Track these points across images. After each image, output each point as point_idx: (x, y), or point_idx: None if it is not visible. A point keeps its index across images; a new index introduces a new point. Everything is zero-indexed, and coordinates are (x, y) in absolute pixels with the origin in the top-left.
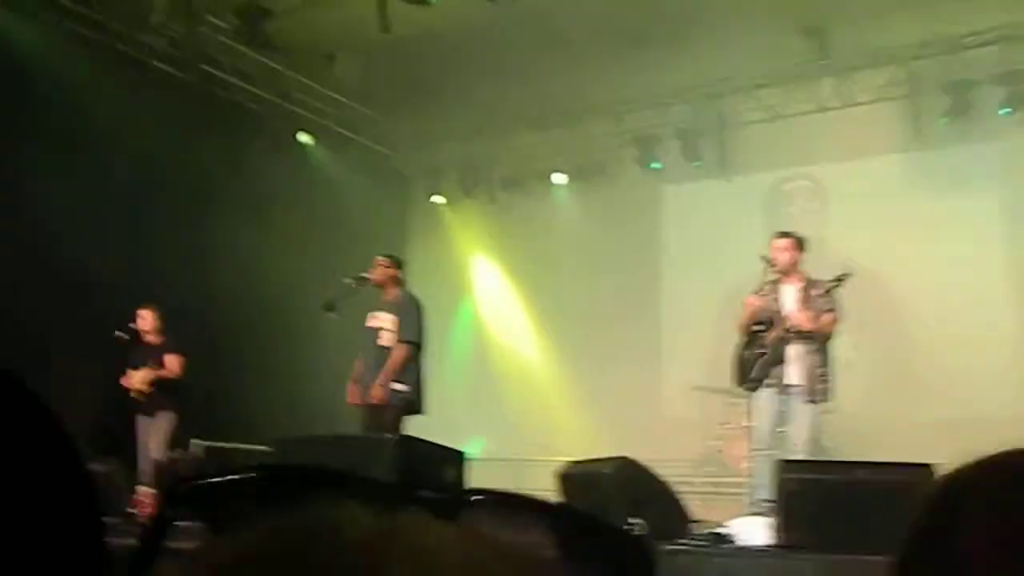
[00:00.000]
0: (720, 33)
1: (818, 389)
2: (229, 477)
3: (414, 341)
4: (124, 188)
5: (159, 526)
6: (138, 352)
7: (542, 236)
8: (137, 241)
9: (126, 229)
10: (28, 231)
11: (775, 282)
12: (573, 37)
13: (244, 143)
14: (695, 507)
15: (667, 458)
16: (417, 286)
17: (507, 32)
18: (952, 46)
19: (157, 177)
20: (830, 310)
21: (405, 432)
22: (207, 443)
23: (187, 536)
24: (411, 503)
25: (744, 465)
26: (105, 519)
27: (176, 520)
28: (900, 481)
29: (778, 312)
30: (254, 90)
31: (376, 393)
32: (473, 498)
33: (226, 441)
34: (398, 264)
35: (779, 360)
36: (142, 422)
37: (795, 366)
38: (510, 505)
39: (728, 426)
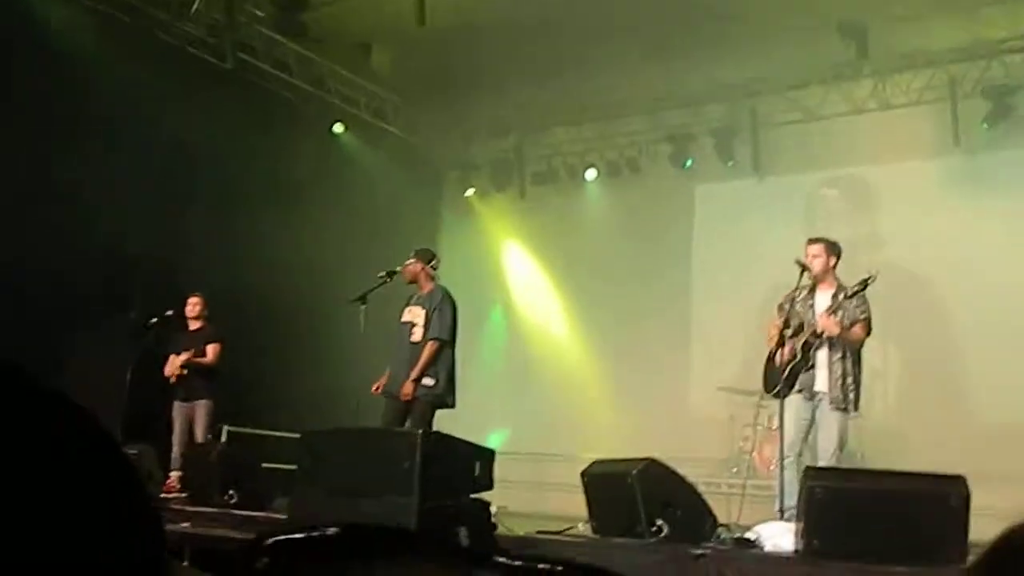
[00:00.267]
0: (757, 32)
1: (847, 397)
2: (311, 534)
3: (445, 338)
4: (159, 175)
5: None
6: (180, 338)
7: (573, 232)
8: (170, 228)
9: (161, 216)
10: (63, 217)
11: (811, 289)
12: (609, 34)
13: (279, 132)
14: (721, 509)
15: (694, 457)
16: (447, 278)
17: (543, 27)
18: (991, 50)
19: (192, 164)
20: (862, 317)
21: (435, 428)
22: (235, 429)
23: None
24: (487, 567)
25: (772, 468)
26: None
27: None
28: (930, 492)
29: (811, 318)
30: (290, 79)
31: (407, 388)
32: (550, 568)
33: (254, 428)
34: (431, 259)
35: (808, 366)
36: (179, 408)
37: (823, 373)
38: None
39: (757, 428)
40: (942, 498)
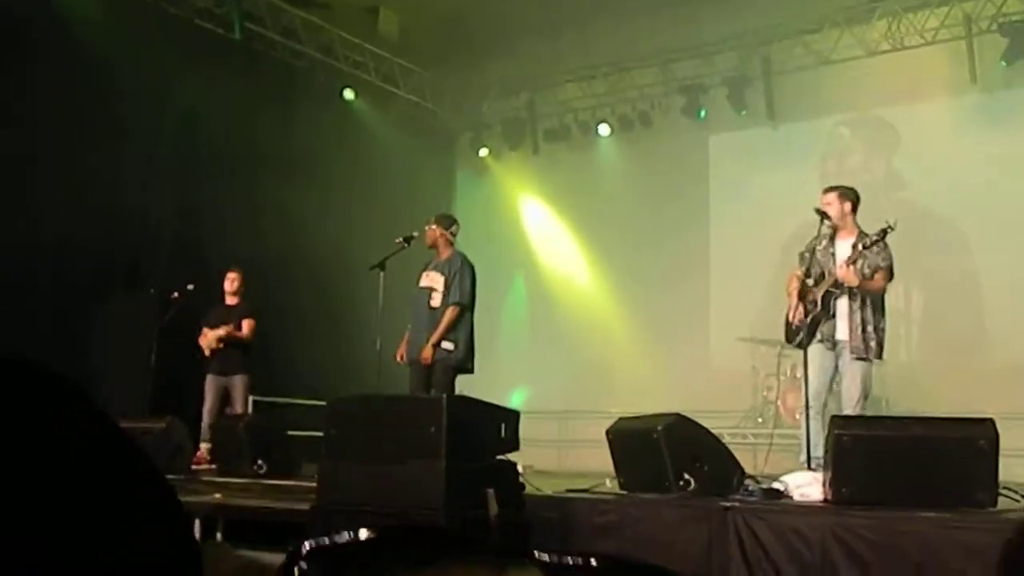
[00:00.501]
0: None
1: (868, 346)
2: (353, 538)
3: (464, 303)
4: (172, 148)
5: None
6: (217, 312)
7: (588, 188)
8: (184, 200)
9: (178, 190)
10: (78, 190)
11: (831, 237)
12: None
13: (289, 100)
14: (747, 459)
15: (719, 409)
16: (464, 238)
17: None
18: None
19: (203, 136)
20: (884, 265)
21: (457, 391)
22: (259, 398)
23: None
24: (525, 563)
25: (798, 417)
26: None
27: None
28: (958, 436)
29: (831, 267)
30: (298, 47)
31: (426, 353)
32: (593, 563)
33: (276, 396)
34: (451, 224)
35: (829, 316)
36: (213, 380)
37: (844, 322)
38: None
39: (780, 377)
40: (971, 442)
